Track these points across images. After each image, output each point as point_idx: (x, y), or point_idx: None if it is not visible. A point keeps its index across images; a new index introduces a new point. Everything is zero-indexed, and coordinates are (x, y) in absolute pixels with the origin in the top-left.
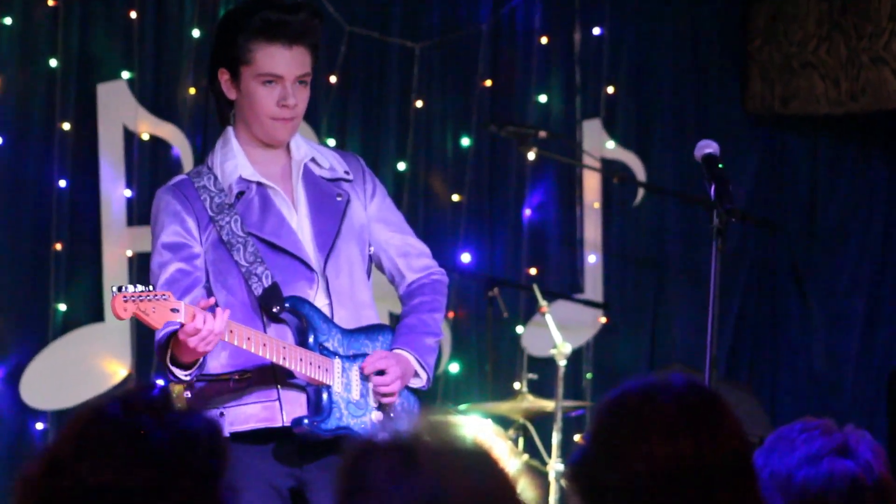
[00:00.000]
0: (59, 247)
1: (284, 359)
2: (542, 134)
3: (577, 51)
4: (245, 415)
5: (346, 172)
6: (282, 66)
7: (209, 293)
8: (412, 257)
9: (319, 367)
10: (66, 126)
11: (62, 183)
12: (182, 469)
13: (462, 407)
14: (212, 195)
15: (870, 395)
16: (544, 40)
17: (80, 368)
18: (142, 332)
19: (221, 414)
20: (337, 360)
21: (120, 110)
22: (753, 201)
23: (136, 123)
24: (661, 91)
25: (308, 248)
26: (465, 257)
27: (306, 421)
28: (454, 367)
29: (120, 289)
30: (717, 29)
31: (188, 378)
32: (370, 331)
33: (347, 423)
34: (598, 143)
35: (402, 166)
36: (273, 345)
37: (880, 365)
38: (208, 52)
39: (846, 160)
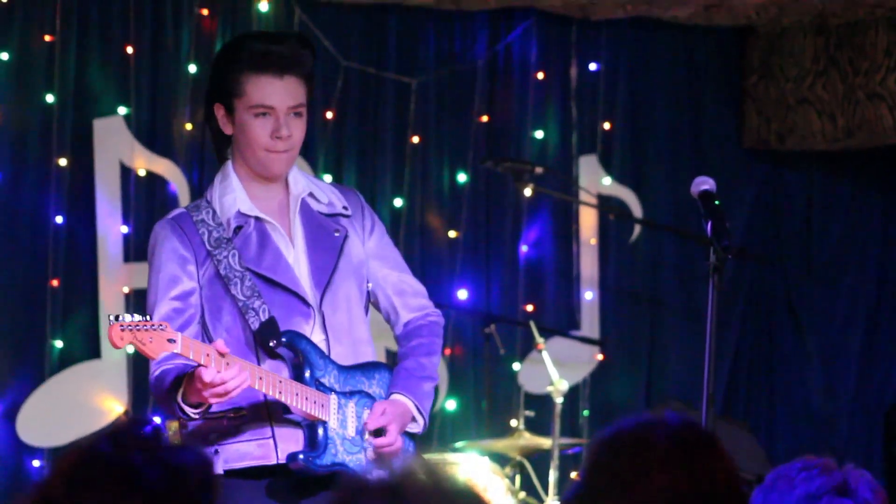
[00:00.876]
0: (55, 283)
1: (280, 393)
2: (539, 170)
3: (573, 86)
4: (240, 452)
5: (345, 208)
6: (273, 96)
7: (204, 329)
8: (408, 296)
9: (315, 402)
10: (63, 162)
11: (59, 219)
12: (174, 501)
13: (459, 444)
14: (210, 229)
15: (866, 432)
16: (540, 76)
17: (77, 405)
18: (138, 369)
19: (216, 451)
20: (333, 396)
21: (116, 146)
22: (750, 236)
23: (132, 159)
24: (657, 127)
25: (305, 283)
26: (462, 294)
27: (301, 456)
28: (451, 405)
29: (117, 318)
30: (713, 65)
31: (196, 416)
32: (367, 368)
33: (343, 460)
34: (595, 178)
35: (398, 202)
36: (269, 378)
37: (876, 401)
38: (205, 87)
39: (842, 196)
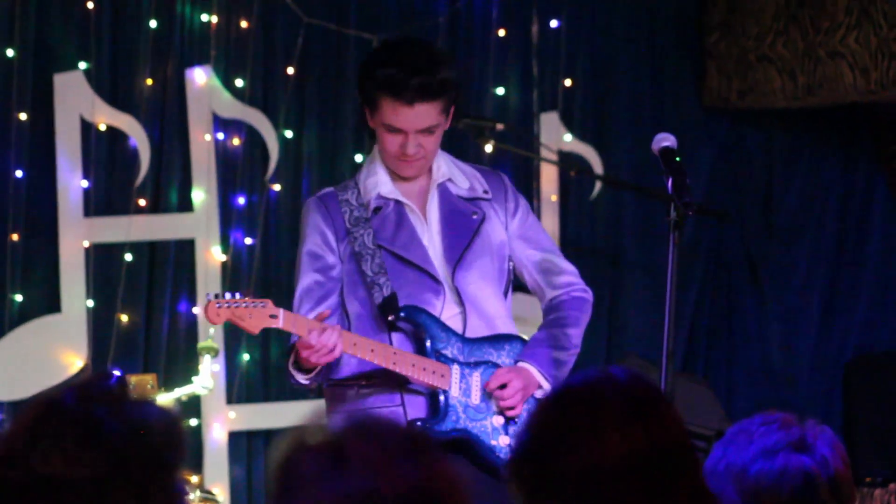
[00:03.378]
0: (15, 237)
1: (395, 364)
2: (500, 126)
3: (534, 43)
4: None
5: (486, 192)
6: (402, 121)
7: (342, 301)
8: (553, 274)
9: (434, 372)
10: (23, 116)
11: (18, 173)
12: (136, 459)
13: None
14: (352, 209)
15: (824, 389)
16: (501, 32)
17: (36, 359)
18: (98, 323)
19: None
20: (455, 367)
21: (77, 101)
22: (709, 194)
23: (92, 114)
24: (618, 84)
25: (437, 262)
26: None
27: (420, 423)
28: None
29: (216, 296)
30: (673, 22)
31: (307, 383)
32: (496, 340)
33: (465, 426)
34: (556, 135)
35: (359, 158)
36: (382, 350)
37: (835, 358)
38: (165, 42)
39: (802, 154)
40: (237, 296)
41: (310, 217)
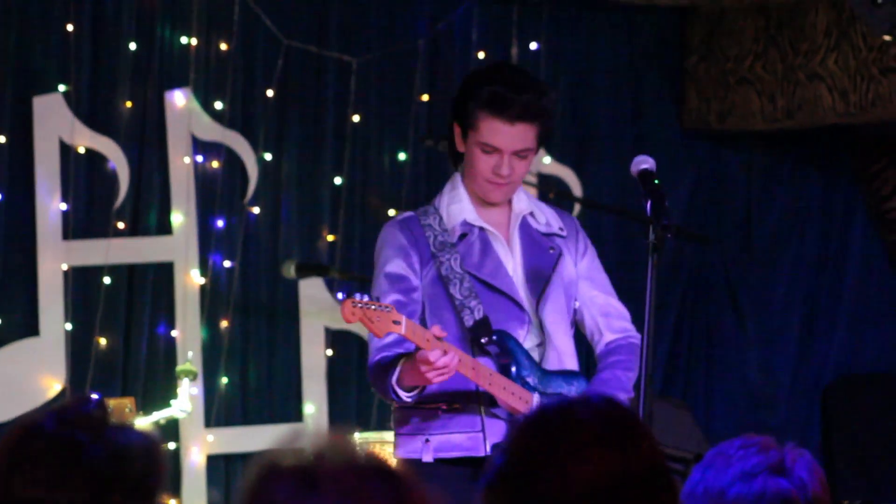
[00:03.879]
0: None
1: (490, 384)
2: None
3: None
4: (451, 443)
5: (561, 229)
6: (501, 140)
7: (423, 324)
8: (612, 318)
9: (520, 398)
10: (2, 139)
11: None
12: (116, 484)
13: None
14: (436, 233)
15: (803, 411)
16: (481, 55)
17: (15, 383)
18: (77, 347)
19: (427, 440)
20: (536, 395)
21: (56, 123)
22: (689, 216)
23: (72, 137)
24: (597, 106)
25: (521, 291)
26: None
27: None
28: None
29: (350, 295)
30: (653, 45)
31: (410, 400)
32: (567, 375)
33: None
34: (535, 158)
35: (338, 180)
36: (481, 370)
37: (814, 381)
38: (145, 65)
39: (781, 176)
40: (366, 298)
41: (393, 239)
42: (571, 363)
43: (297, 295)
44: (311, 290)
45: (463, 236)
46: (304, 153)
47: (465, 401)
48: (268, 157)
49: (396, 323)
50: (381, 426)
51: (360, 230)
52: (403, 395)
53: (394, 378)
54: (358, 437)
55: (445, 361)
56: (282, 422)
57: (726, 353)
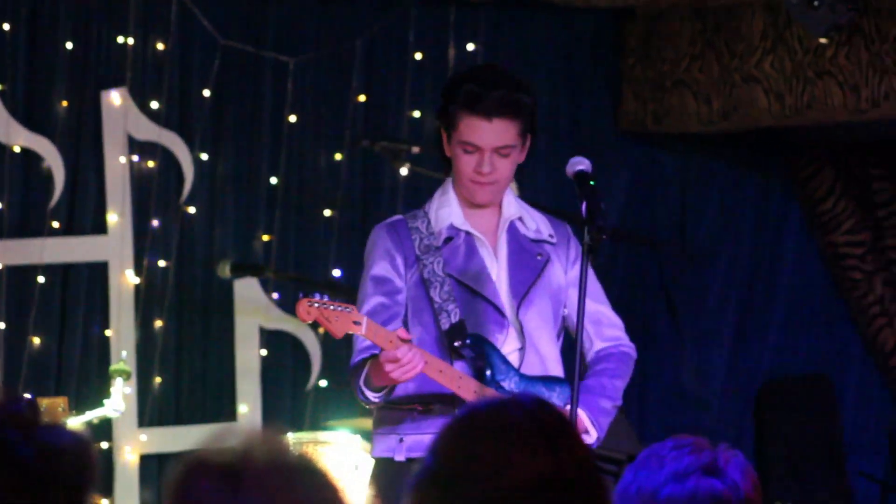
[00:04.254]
0: None
1: (459, 388)
2: (416, 149)
3: (451, 66)
4: (424, 444)
5: (551, 236)
6: (479, 137)
7: (406, 326)
8: (603, 326)
9: None
10: None
11: None
12: (47, 483)
13: (331, 423)
14: (422, 237)
15: (737, 413)
16: (419, 56)
17: None
18: (10, 346)
19: (401, 439)
20: None
21: None
22: (625, 218)
23: (7, 136)
24: None
25: (503, 296)
26: (337, 272)
27: None
28: (324, 384)
29: (306, 294)
30: (590, 47)
31: (377, 401)
32: (549, 381)
33: None
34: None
35: (274, 181)
36: (450, 373)
37: (748, 383)
38: (81, 64)
39: (717, 178)
40: (326, 297)
41: (380, 242)
42: (556, 369)
43: (232, 295)
44: (246, 290)
45: (448, 240)
46: (241, 153)
47: (440, 403)
48: (204, 156)
49: (357, 323)
50: (315, 426)
51: (295, 230)
52: (371, 395)
53: (361, 379)
54: (291, 437)
55: (409, 357)
56: (215, 421)
57: (660, 354)
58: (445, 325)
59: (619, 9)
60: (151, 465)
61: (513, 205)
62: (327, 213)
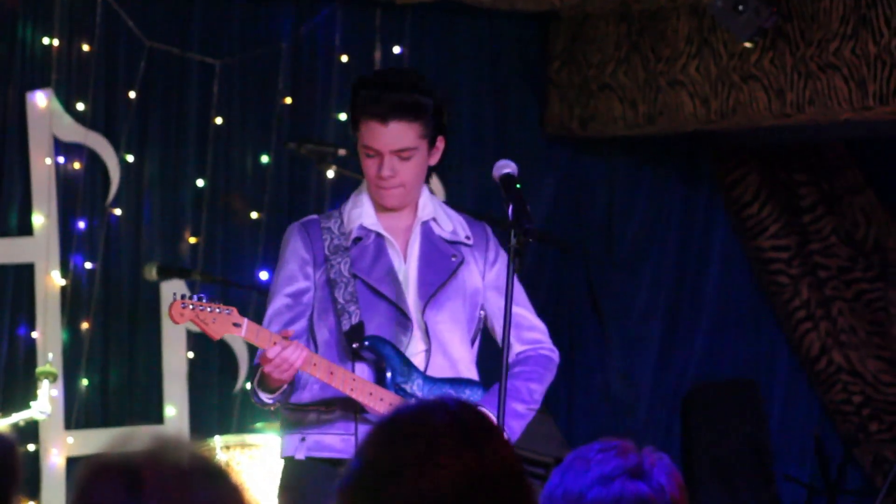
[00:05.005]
0: None
1: (352, 390)
2: (342, 152)
3: (377, 69)
4: (323, 444)
5: (468, 237)
6: (377, 140)
7: (311, 327)
8: (523, 329)
9: (390, 404)
10: None
11: None
12: None
13: (258, 425)
14: (333, 237)
15: (664, 417)
16: (345, 58)
17: None
18: None
19: (303, 439)
20: (413, 402)
21: None
22: (551, 221)
23: None
24: (460, 111)
25: (410, 298)
26: (264, 275)
27: None
28: (250, 386)
29: (183, 297)
30: (516, 50)
31: (271, 402)
32: (457, 383)
33: None
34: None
35: (200, 183)
36: (342, 375)
37: (674, 388)
38: (6, 65)
39: (643, 182)
40: (203, 299)
41: (290, 242)
42: (468, 372)
43: (159, 297)
44: (173, 293)
45: (357, 240)
46: (167, 155)
47: (342, 405)
48: (130, 158)
49: (237, 325)
50: (242, 429)
51: (222, 233)
52: (264, 397)
53: (255, 381)
54: (218, 439)
55: (284, 356)
56: (142, 424)
57: (587, 358)
58: (346, 327)
59: (545, 12)
60: (78, 467)
61: (428, 206)
62: (254, 215)
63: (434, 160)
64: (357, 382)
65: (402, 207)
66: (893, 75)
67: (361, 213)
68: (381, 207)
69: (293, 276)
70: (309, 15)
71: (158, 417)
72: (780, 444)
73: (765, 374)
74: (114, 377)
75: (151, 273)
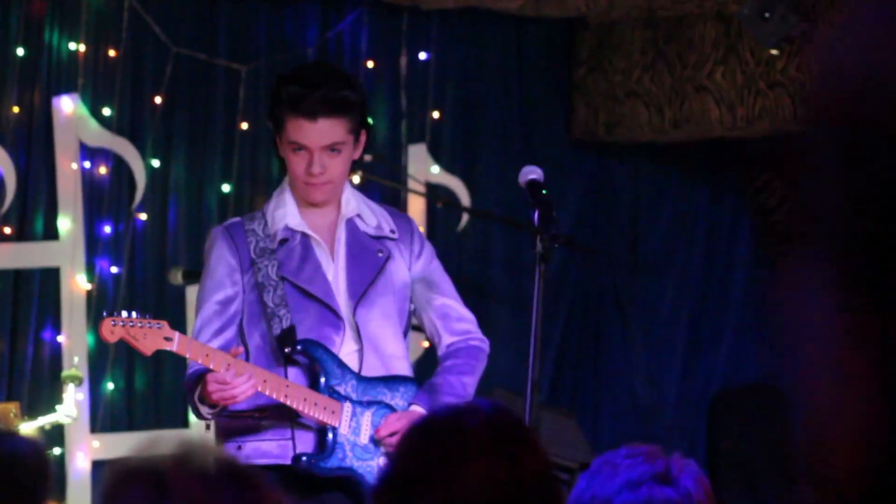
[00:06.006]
0: None
1: (286, 397)
2: (367, 157)
3: (403, 75)
4: (261, 450)
5: (392, 231)
6: (306, 137)
7: (241, 332)
8: (452, 320)
9: (325, 408)
10: None
11: None
12: (5, 490)
13: None
14: (258, 239)
15: (689, 422)
16: (370, 64)
17: None
18: None
19: (239, 447)
20: (347, 404)
21: None
22: (577, 227)
23: None
24: (486, 117)
25: (340, 297)
26: None
27: (304, 458)
28: None
29: (111, 313)
30: (542, 56)
31: (210, 417)
32: (391, 381)
33: (350, 465)
34: (424, 167)
35: (226, 188)
36: (274, 382)
37: (700, 393)
38: (32, 70)
39: (669, 188)
40: (133, 314)
41: (214, 247)
42: (401, 367)
43: (184, 301)
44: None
45: (283, 241)
46: (192, 160)
47: (277, 410)
48: (155, 163)
49: (168, 339)
50: None
51: None
52: (205, 411)
53: (196, 396)
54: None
55: (238, 383)
56: (168, 427)
57: (613, 363)
58: (277, 331)
59: (571, 18)
60: (104, 471)
61: (352, 202)
62: None
63: (357, 154)
64: (291, 388)
65: (328, 203)
66: None
67: (286, 213)
68: (305, 204)
69: (220, 282)
70: (335, 20)
71: (184, 421)
72: None
73: None
74: (139, 381)
75: (177, 277)
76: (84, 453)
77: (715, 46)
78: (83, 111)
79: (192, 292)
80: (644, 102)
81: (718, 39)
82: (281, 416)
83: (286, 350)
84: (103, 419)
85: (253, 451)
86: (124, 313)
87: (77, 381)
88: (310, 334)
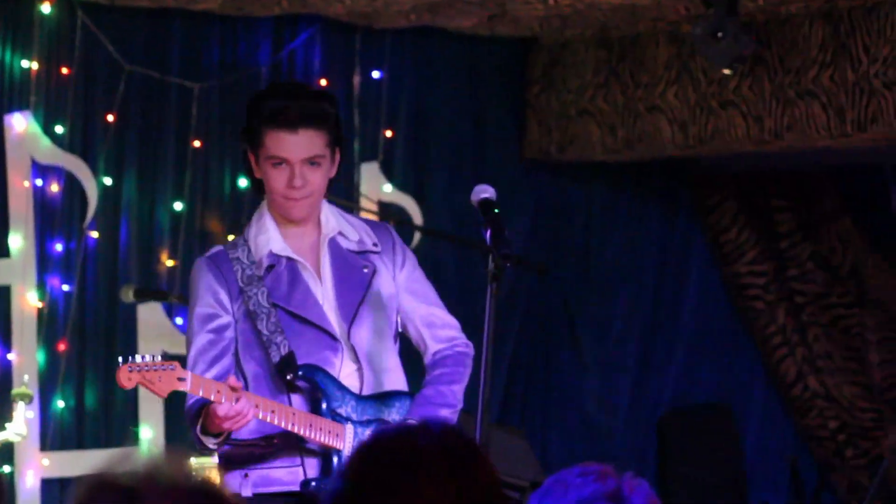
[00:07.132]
0: None
1: (293, 424)
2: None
3: (356, 94)
4: (269, 478)
5: (375, 244)
6: (286, 149)
7: (237, 361)
8: (437, 328)
9: (330, 432)
10: None
11: None
12: None
13: None
14: (244, 267)
15: (639, 441)
16: (323, 82)
17: None
18: None
19: (246, 475)
20: (349, 426)
21: None
22: (529, 246)
23: None
24: (439, 135)
25: (332, 318)
26: None
27: (313, 483)
28: None
29: (126, 359)
30: (496, 75)
31: (214, 447)
32: (387, 397)
33: None
34: (376, 186)
35: (178, 206)
36: (281, 412)
37: (650, 412)
38: None
39: (621, 208)
40: (147, 358)
41: (202, 278)
42: (396, 381)
43: (136, 319)
44: (150, 315)
45: (270, 268)
46: (144, 178)
47: (283, 438)
48: (107, 181)
49: (181, 380)
50: None
51: (199, 255)
52: (209, 442)
53: (198, 427)
54: (194, 461)
55: (237, 409)
56: (118, 446)
57: (564, 382)
58: (276, 359)
59: (525, 38)
60: (53, 489)
61: (331, 220)
62: (232, 238)
63: (333, 173)
64: (297, 416)
65: (307, 220)
66: (871, 103)
67: (269, 238)
68: (285, 224)
69: (211, 311)
70: (288, 38)
71: (134, 440)
72: (756, 469)
73: (740, 398)
74: (89, 399)
75: (128, 295)
76: (34, 471)
77: (668, 66)
78: (35, 128)
79: (143, 311)
80: (597, 122)
81: (671, 59)
82: (289, 443)
83: (288, 377)
84: (53, 437)
85: (260, 479)
86: (139, 358)
87: (27, 399)
88: (308, 359)
